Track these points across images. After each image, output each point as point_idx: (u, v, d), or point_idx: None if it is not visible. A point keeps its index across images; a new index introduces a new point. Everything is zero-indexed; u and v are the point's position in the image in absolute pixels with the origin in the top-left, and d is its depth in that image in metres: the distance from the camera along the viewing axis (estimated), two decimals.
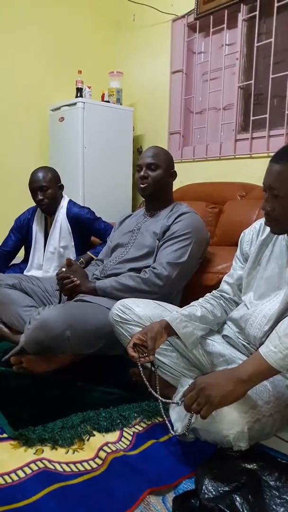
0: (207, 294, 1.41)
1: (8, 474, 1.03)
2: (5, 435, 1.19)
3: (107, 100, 3.49)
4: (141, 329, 1.29)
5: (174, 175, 1.88)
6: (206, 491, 0.94)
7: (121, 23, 3.81)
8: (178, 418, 1.15)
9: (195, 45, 3.15)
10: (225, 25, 2.84)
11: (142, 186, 1.81)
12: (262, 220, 1.31)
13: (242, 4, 2.71)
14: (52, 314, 1.53)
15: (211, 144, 3.01)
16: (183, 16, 3.15)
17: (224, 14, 2.82)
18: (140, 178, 1.81)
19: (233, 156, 2.83)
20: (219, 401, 0.97)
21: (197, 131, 3.21)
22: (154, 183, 1.80)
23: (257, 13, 2.60)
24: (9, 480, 1.01)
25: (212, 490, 0.94)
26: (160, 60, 3.38)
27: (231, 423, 1.01)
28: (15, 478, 1.02)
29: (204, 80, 3.13)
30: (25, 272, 2.27)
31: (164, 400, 1.16)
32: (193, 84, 3.21)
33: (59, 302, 1.83)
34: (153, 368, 1.25)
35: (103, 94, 3.51)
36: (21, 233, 2.36)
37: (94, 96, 3.41)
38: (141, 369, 1.20)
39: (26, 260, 2.38)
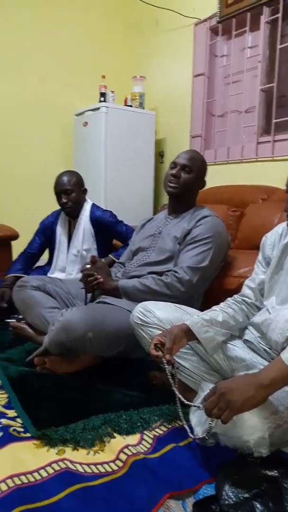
0: (229, 299, 1.41)
1: (31, 473, 1.05)
2: (28, 435, 1.22)
3: (129, 104, 3.53)
4: (161, 332, 1.30)
5: (203, 184, 1.88)
6: (226, 497, 0.93)
7: (144, 28, 3.84)
8: (198, 422, 1.14)
9: (217, 48, 3.15)
10: (247, 28, 2.83)
11: (171, 184, 1.81)
12: (284, 224, 1.30)
13: (264, 7, 2.69)
14: (75, 316, 1.55)
15: (233, 147, 2.99)
16: (205, 20, 3.15)
17: (247, 16, 2.81)
18: (172, 175, 1.80)
19: (255, 159, 2.81)
20: (240, 406, 0.97)
21: (219, 134, 3.20)
22: (183, 185, 1.79)
23: (280, 15, 2.58)
24: (32, 479, 1.03)
25: (232, 496, 0.93)
26: (183, 63, 3.39)
27: (252, 428, 1.01)
28: (38, 477, 1.04)
29: (226, 83, 3.12)
30: (48, 274, 2.31)
31: (186, 401, 1.16)
32: (215, 87, 3.21)
33: (85, 302, 1.85)
34: (173, 371, 1.24)
35: (126, 98, 3.55)
36: (46, 236, 2.40)
37: (117, 101, 3.45)
38: (166, 366, 1.20)
39: (50, 262, 2.42)
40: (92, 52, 3.73)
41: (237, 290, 1.46)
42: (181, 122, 3.43)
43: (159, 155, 3.73)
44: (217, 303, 1.40)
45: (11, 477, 1.03)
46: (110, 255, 2.29)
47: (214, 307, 1.36)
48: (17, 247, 2.54)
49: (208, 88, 3.21)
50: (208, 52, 3.17)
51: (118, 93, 3.47)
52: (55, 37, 3.55)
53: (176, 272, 1.67)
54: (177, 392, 1.19)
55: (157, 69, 3.73)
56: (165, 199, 3.24)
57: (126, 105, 3.54)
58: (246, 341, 1.33)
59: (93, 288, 1.79)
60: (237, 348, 1.31)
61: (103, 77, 3.39)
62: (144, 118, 3.50)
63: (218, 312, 1.32)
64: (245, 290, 1.40)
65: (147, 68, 3.79)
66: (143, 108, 3.55)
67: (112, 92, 3.40)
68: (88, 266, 1.80)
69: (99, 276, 1.77)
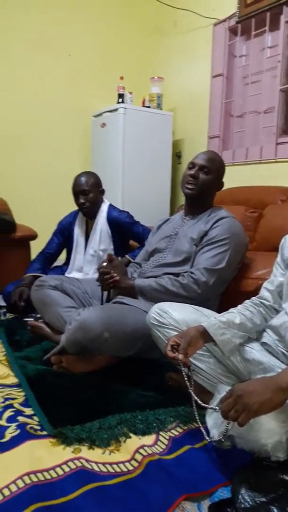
0: (246, 301, 1.39)
1: (47, 470, 1.06)
2: (44, 433, 1.23)
3: (147, 105, 3.53)
4: (177, 333, 1.30)
5: (221, 185, 1.87)
6: (242, 500, 0.92)
7: (163, 29, 3.85)
8: (214, 424, 1.14)
9: (236, 49, 3.13)
10: (267, 28, 2.80)
11: (188, 186, 1.80)
12: None
13: (284, 6, 2.66)
14: (91, 315, 1.56)
15: (251, 148, 2.97)
16: (224, 20, 3.14)
17: (266, 16, 2.78)
18: (190, 176, 1.79)
19: (274, 160, 2.78)
20: (257, 409, 0.96)
21: (237, 135, 3.17)
22: (201, 186, 1.78)
23: None
24: (48, 477, 1.04)
25: (248, 500, 0.92)
26: (201, 64, 3.38)
27: (269, 432, 1.00)
28: (54, 475, 1.05)
29: (244, 83, 3.10)
30: (66, 274, 2.33)
31: (202, 403, 1.16)
32: (234, 88, 3.18)
33: (102, 302, 1.86)
34: (189, 372, 1.24)
35: (144, 99, 3.56)
36: (63, 236, 2.42)
37: (135, 102, 3.46)
38: (183, 368, 1.20)
39: (67, 262, 2.44)
40: (110, 53, 3.75)
41: (255, 292, 1.44)
42: (199, 122, 3.42)
43: (177, 156, 3.72)
44: (234, 305, 1.38)
45: (27, 474, 1.04)
46: (126, 255, 2.29)
47: (231, 309, 1.35)
48: (36, 247, 2.57)
49: (227, 89, 3.19)
50: (227, 53, 3.15)
51: (136, 94, 3.48)
52: (73, 39, 3.58)
53: (192, 273, 1.66)
54: (193, 394, 1.18)
55: (175, 70, 3.73)
56: (182, 200, 3.23)
57: (144, 106, 3.54)
58: (264, 344, 1.32)
59: (109, 286, 1.79)
60: (255, 351, 1.30)
61: (121, 78, 3.40)
62: (161, 119, 3.50)
63: (236, 314, 1.31)
64: (263, 292, 1.39)
65: (165, 69, 3.79)
66: (161, 109, 3.55)
67: (130, 93, 3.41)
68: (105, 264, 1.81)
69: (115, 274, 1.77)
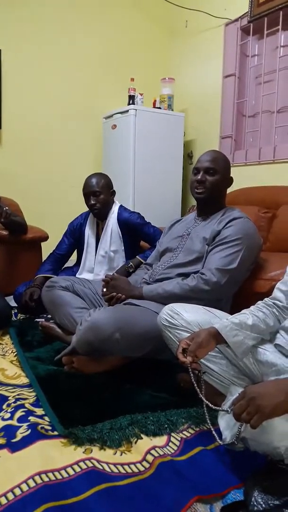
0: (259, 302, 1.37)
1: (58, 470, 1.06)
2: (56, 433, 1.23)
3: (158, 106, 3.53)
4: (189, 334, 1.29)
5: (231, 181, 1.85)
6: (255, 503, 0.91)
7: (174, 30, 3.85)
8: (227, 426, 1.12)
9: (249, 48, 3.11)
10: (280, 27, 2.78)
11: (198, 191, 1.78)
12: None
13: None
14: (102, 316, 1.56)
15: (264, 148, 2.94)
16: (236, 20, 3.12)
17: (279, 15, 2.76)
18: (197, 182, 1.78)
19: (287, 160, 2.74)
20: (270, 412, 0.94)
21: (250, 135, 3.15)
22: (211, 188, 1.77)
23: None
24: (59, 477, 1.04)
25: (261, 502, 0.91)
26: (213, 64, 3.37)
27: (282, 435, 0.98)
28: (65, 475, 1.05)
29: (257, 83, 3.08)
30: (77, 275, 2.34)
31: (213, 407, 1.14)
32: (246, 88, 3.17)
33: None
34: (199, 374, 1.23)
35: (155, 100, 3.56)
36: (74, 237, 2.43)
37: (146, 103, 3.47)
38: (191, 374, 1.19)
39: (78, 263, 2.45)
40: (121, 54, 3.76)
41: (268, 293, 1.42)
42: (210, 123, 3.41)
43: (188, 156, 3.72)
44: (247, 306, 1.37)
45: (39, 473, 1.04)
46: (137, 256, 2.29)
47: (244, 311, 1.33)
48: (47, 248, 2.58)
49: (239, 89, 3.18)
50: (239, 52, 3.14)
51: (147, 96, 3.48)
52: (83, 40, 3.60)
53: (203, 274, 1.64)
54: (204, 399, 1.17)
55: (187, 71, 3.72)
56: (193, 200, 3.22)
57: (155, 107, 3.54)
58: (277, 346, 1.30)
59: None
60: (268, 353, 1.28)
61: (132, 79, 3.41)
62: (173, 120, 3.50)
63: (248, 315, 1.29)
64: (276, 293, 1.37)
65: (177, 70, 3.79)
66: (172, 110, 3.55)
67: (141, 94, 3.42)
68: (105, 290, 1.81)
69: (120, 295, 1.77)
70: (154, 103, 3.57)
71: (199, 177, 1.77)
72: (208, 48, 3.44)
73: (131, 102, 3.37)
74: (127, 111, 3.31)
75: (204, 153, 1.83)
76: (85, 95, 3.64)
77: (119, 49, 3.75)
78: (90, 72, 3.65)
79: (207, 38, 3.44)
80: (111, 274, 1.89)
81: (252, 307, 1.36)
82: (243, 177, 2.94)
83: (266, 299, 1.39)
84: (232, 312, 1.41)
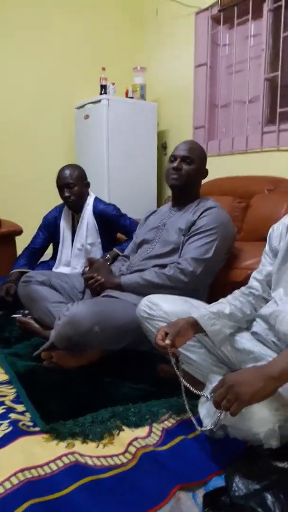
0: (236, 291, 1.40)
1: (41, 466, 1.06)
2: (37, 429, 1.22)
3: (131, 96, 3.50)
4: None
5: (206, 173, 1.87)
6: (236, 488, 0.93)
7: (144, 18, 3.80)
8: (207, 414, 1.14)
9: (220, 38, 3.11)
10: (250, 16, 2.79)
11: (173, 177, 1.79)
12: None
13: None
14: (81, 310, 1.55)
15: (237, 138, 2.97)
16: (206, 9, 3.11)
17: (249, 4, 2.77)
18: (173, 169, 1.78)
19: (260, 149, 2.78)
20: (249, 399, 0.96)
21: (223, 125, 3.17)
22: (186, 177, 1.78)
23: (283, 2, 2.54)
24: (42, 473, 1.04)
25: (242, 487, 0.93)
26: (184, 54, 3.35)
27: (261, 421, 1.01)
28: (48, 470, 1.05)
29: (229, 72, 3.09)
30: (53, 269, 2.31)
31: (194, 390, 1.16)
32: (218, 77, 3.17)
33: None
34: (178, 359, 1.24)
35: (127, 90, 3.52)
36: (49, 231, 2.39)
37: (118, 93, 3.43)
38: (172, 359, 1.20)
39: (54, 257, 2.42)
40: (92, 44, 3.69)
41: (244, 282, 1.45)
42: (183, 113, 3.41)
43: (162, 147, 3.71)
44: (224, 295, 1.39)
45: (21, 470, 1.03)
46: (114, 248, 2.28)
47: (221, 300, 1.36)
48: (21, 243, 2.54)
49: (211, 78, 3.18)
50: (210, 42, 3.13)
51: (119, 85, 3.44)
52: (53, 30, 3.51)
53: (179, 263, 1.66)
54: (183, 381, 1.18)
55: (159, 60, 3.69)
56: (168, 191, 3.22)
57: (127, 97, 3.51)
58: (254, 333, 1.33)
59: (96, 290, 1.80)
60: (245, 341, 1.31)
61: (103, 69, 3.36)
62: (146, 109, 3.48)
63: (226, 304, 1.31)
64: (252, 282, 1.39)
65: (149, 59, 3.75)
66: (145, 100, 3.52)
67: (113, 84, 3.37)
68: (87, 269, 1.80)
69: (100, 277, 1.78)
70: (126, 93, 3.53)
71: (175, 164, 1.77)
72: (179, 37, 3.42)
73: (103, 91, 3.33)
74: (99, 100, 3.27)
75: (182, 142, 1.84)
76: (56, 84, 3.56)
77: (90, 38, 3.68)
78: (59, 61, 3.57)
79: (178, 27, 3.42)
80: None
81: (229, 296, 1.38)
82: (217, 168, 2.95)
83: (242, 288, 1.41)
84: (209, 301, 1.43)
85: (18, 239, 2.71)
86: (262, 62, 2.75)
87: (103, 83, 3.33)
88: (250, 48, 2.84)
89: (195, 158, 1.78)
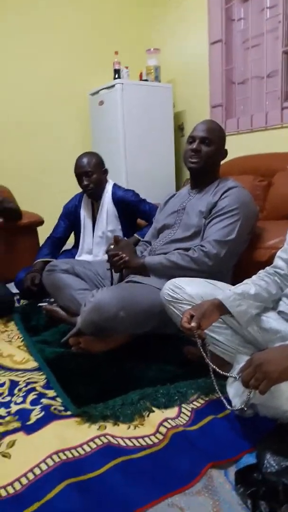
0: (260, 271, 1.38)
1: (75, 448, 1.09)
2: (69, 413, 1.25)
3: (145, 78, 3.45)
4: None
5: (225, 154, 1.82)
6: (268, 465, 0.94)
7: None
8: (236, 393, 1.15)
9: (234, 12, 3.01)
10: None
11: (192, 160, 1.75)
12: None
13: None
14: (106, 296, 1.56)
15: (256, 115, 2.89)
16: None
17: None
18: (192, 151, 1.74)
19: (280, 125, 2.71)
20: (277, 377, 0.96)
21: (240, 102, 3.10)
22: (205, 159, 1.73)
23: None
24: (76, 454, 1.07)
25: (274, 464, 0.94)
26: (198, 31, 3.27)
27: None
28: (82, 452, 1.08)
29: (245, 48, 3.00)
30: (76, 257, 2.33)
31: (221, 372, 1.16)
32: (234, 53, 3.08)
33: (111, 283, 1.87)
34: (205, 341, 1.24)
35: (141, 73, 3.47)
36: (70, 219, 2.41)
37: (132, 76, 3.38)
38: (199, 341, 1.20)
39: (76, 245, 2.44)
40: (103, 28, 3.64)
41: (268, 262, 1.43)
42: (200, 92, 3.34)
43: (179, 129, 3.65)
44: (248, 276, 1.37)
45: (56, 452, 1.07)
46: (135, 234, 2.28)
47: (245, 281, 1.34)
48: (43, 233, 2.57)
49: (226, 55, 3.09)
50: (224, 17, 3.04)
51: (133, 68, 3.39)
52: (65, 15, 3.47)
53: (203, 246, 1.64)
54: (210, 363, 1.19)
55: (172, 40, 3.61)
56: (187, 173, 3.18)
57: (141, 80, 3.46)
58: (280, 312, 1.31)
59: (120, 268, 1.80)
60: (272, 320, 1.30)
61: (116, 53, 3.31)
62: (161, 91, 3.42)
63: (250, 285, 1.30)
64: (277, 261, 1.37)
65: (161, 40, 3.68)
66: (159, 82, 3.47)
67: (126, 67, 3.32)
68: (112, 246, 1.81)
69: (124, 255, 1.77)
70: (140, 76, 3.48)
71: (194, 146, 1.73)
72: (192, 15, 3.33)
73: (116, 76, 3.29)
74: (113, 85, 3.23)
75: (200, 122, 1.79)
76: (69, 72, 3.54)
77: (101, 22, 3.63)
78: (72, 47, 3.54)
79: (190, 4, 3.32)
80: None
81: (254, 277, 1.36)
82: (236, 146, 2.89)
83: (267, 268, 1.39)
84: (233, 283, 1.41)
85: (40, 229, 2.75)
86: (279, 34, 2.65)
87: (117, 67, 3.29)
88: (266, 20, 2.74)
89: (214, 138, 1.74)
